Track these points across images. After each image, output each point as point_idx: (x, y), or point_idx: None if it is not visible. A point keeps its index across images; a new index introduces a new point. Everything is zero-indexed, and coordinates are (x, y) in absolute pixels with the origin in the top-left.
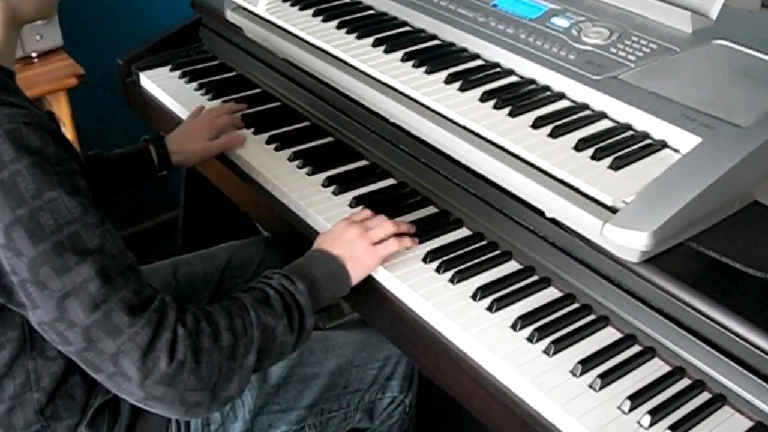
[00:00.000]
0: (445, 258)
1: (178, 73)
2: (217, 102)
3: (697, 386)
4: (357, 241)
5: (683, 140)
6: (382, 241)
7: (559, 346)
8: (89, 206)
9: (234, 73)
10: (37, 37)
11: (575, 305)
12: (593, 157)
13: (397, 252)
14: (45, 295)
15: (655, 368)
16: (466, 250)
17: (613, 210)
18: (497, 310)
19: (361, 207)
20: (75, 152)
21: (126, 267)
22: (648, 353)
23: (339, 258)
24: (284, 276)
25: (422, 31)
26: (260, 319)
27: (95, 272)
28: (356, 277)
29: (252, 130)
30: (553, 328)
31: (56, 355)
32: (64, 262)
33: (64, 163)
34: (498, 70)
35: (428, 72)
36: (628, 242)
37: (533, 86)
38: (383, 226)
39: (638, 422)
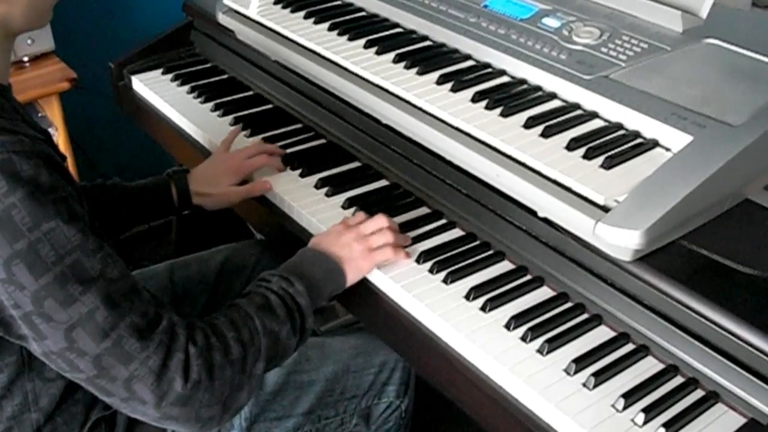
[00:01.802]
0: (438, 258)
1: (170, 76)
2: (210, 105)
3: (691, 384)
4: (353, 245)
5: (674, 139)
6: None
7: (553, 345)
8: (88, 231)
9: (226, 76)
10: (29, 42)
11: (568, 304)
12: (585, 157)
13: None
14: (51, 327)
15: (648, 366)
16: (459, 250)
17: (605, 209)
18: (491, 310)
19: (354, 209)
20: (69, 174)
21: (129, 289)
22: (641, 351)
23: (334, 257)
24: (283, 278)
25: (414, 32)
26: (265, 326)
27: (100, 300)
28: (351, 279)
29: (245, 132)
30: (546, 327)
31: (55, 377)
32: (69, 293)
33: (59, 190)
34: (489, 70)
35: (420, 73)
36: (620, 241)
37: (525, 86)
38: (382, 234)
39: (632, 420)
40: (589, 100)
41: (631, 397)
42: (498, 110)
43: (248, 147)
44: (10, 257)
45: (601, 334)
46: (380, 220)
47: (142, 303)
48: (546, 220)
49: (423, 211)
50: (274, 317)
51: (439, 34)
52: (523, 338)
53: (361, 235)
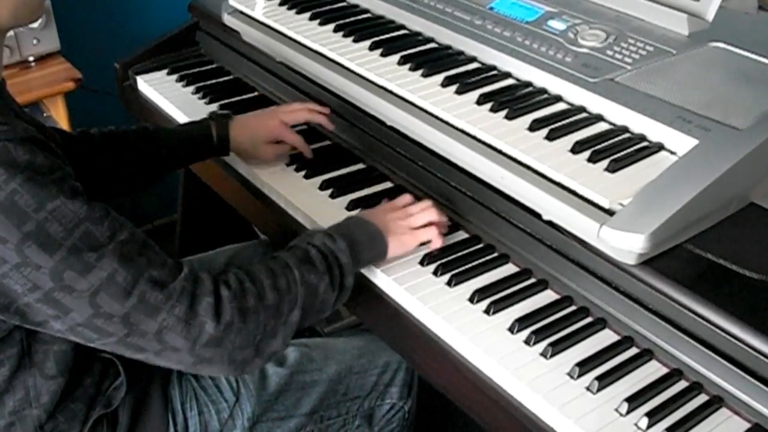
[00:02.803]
0: (442, 261)
1: (175, 77)
2: (215, 105)
3: (695, 388)
4: (398, 222)
5: (680, 142)
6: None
7: (557, 348)
8: (91, 202)
9: (231, 77)
10: (35, 42)
11: (572, 308)
12: (590, 160)
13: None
14: (75, 297)
15: (652, 370)
16: (463, 253)
17: (610, 212)
18: (495, 312)
19: (359, 210)
20: (64, 157)
21: (142, 246)
22: (645, 355)
23: (379, 226)
24: (326, 235)
25: (419, 34)
26: (303, 277)
27: (117, 262)
28: (393, 250)
29: None
30: (550, 330)
31: (56, 374)
32: (85, 262)
33: (56, 170)
34: (495, 73)
35: (425, 75)
36: (624, 244)
37: (530, 89)
38: (425, 211)
39: (636, 424)
40: (594, 102)
41: (634, 401)
42: (503, 113)
43: (293, 109)
44: (21, 240)
45: (605, 337)
46: (425, 203)
47: (158, 256)
48: (550, 223)
49: None
50: (313, 270)
51: (445, 36)
52: (527, 341)
53: (406, 213)
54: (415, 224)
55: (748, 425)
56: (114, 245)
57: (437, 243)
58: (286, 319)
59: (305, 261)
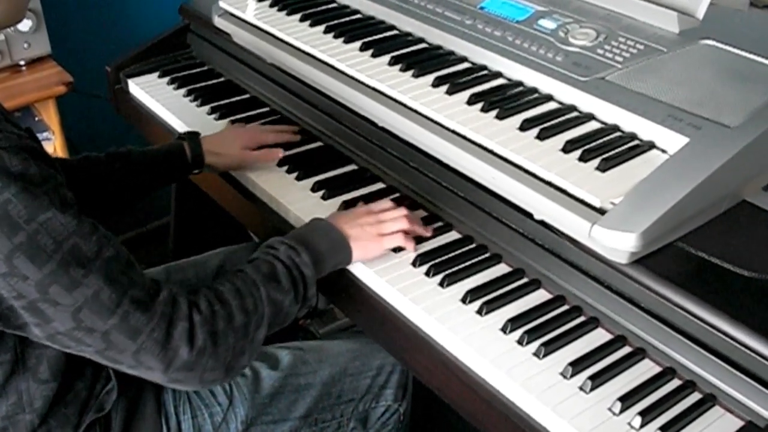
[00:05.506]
0: (434, 261)
1: (166, 79)
2: (206, 108)
3: (688, 387)
4: (366, 227)
5: (671, 141)
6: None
7: (550, 348)
8: (81, 216)
9: (222, 79)
10: (25, 45)
11: (565, 307)
12: (581, 159)
13: (387, 255)
14: (58, 310)
15: (645, 369)
16: (455, 253)
17: (602, 211)
18: (487, 313)
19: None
20: (56, 166)
21: (126, 265)
22: (638, 354)
23: (343, 233)
24: (290, 247)
25: (409, 34)
26: (270, 295)
27: (102, 281)
28: (357, 256)
29: None
30: (543, 330)
31: (48, 378)
32: (72, 278)
33: (49, 180)
34: (485, 72)
35: (415, 75)
36: (616, 243)
37: (520, 88)
38: (396, 220)
39: (629, 423)
40: (585, 102)
41: (627, 400)
42: (494, 112)
43: (262, 126)
44: (11, 251)
45: (598, 336)
46: (400, 210)
47: (139, 276)
48: (542, 223)
49: (419, 214)
50: (278, 287)
51: (435, 36)
52: (520, 341)
53: (378, 219)
54: (383, 231)
55: (741, 423)
56: (100, 262)
57: (409, 247)
58: (253, 338)
59: (271, 277)
